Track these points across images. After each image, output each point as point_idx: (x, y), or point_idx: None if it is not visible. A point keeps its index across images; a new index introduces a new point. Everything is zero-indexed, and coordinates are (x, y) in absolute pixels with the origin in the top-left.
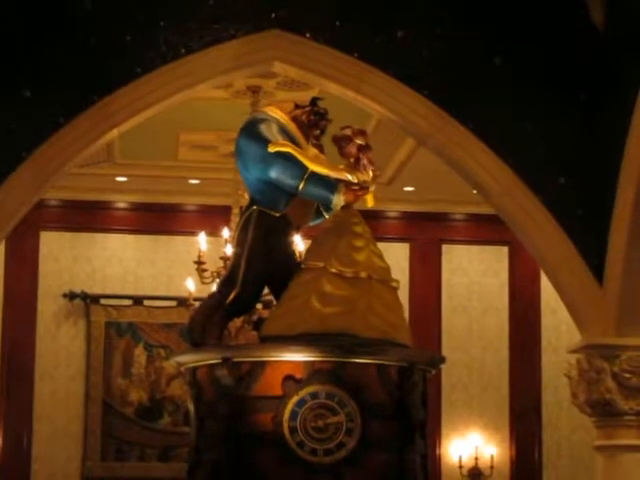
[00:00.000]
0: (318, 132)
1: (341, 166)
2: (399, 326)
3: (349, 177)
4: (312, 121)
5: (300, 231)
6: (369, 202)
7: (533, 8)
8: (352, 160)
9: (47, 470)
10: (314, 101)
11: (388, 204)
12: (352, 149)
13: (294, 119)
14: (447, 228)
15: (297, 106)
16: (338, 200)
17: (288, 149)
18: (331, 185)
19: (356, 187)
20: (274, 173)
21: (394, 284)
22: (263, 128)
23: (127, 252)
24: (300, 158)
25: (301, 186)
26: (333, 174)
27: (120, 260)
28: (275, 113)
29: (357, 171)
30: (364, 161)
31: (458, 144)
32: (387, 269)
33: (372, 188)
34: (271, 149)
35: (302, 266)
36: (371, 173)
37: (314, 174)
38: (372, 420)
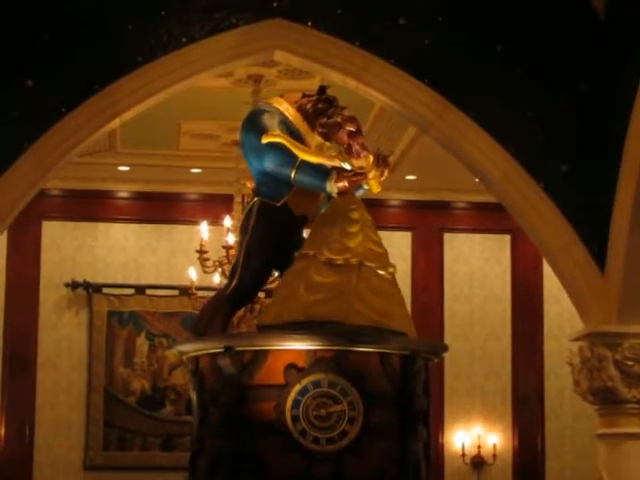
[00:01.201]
0: (325, 120)
1: (334, 153)
2: (393, 313)
3: (341, 164)
4: (318, 109)
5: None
6: (374, 188)
7: None
8: (345, 147)
9: (49, 459)
10: (322, 89)
11: (390, 193)
12: (343, 136)
13: (299, 109)
14: (449, 216)
15: (305, 95)
16: (331, 187)
17: (279, 139)
18: (323, 173)
19: (349, 174)
20: (267, 164)
21: (390, 270)
22: (261, 119)
23: (129, 241)
24: (291, 147)
25: (293, 175)
26: (325, 162)
27: (122, 249)
28: (279, 104)
29: (351, 158)
30: (356, 147)
31: (460, 132)
32: (383, 255)
33: (375, 174)
34: (264, 140)
35: (295, 255)
36: (371, 158)
37: (305, 163)
38: (374, 409)
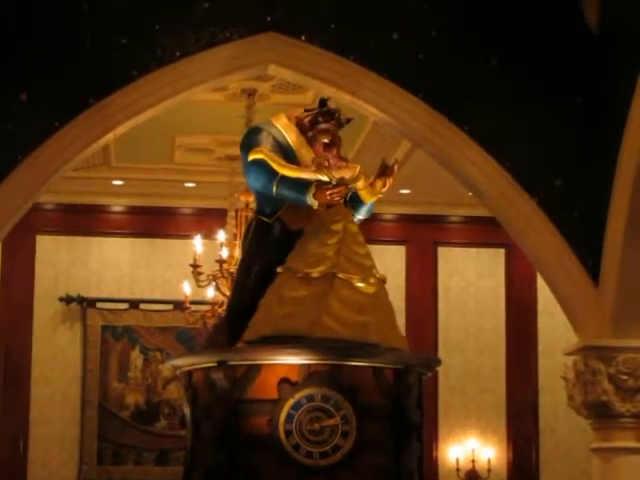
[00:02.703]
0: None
1: (313, 167)
2: (366, 325)
3: (319, 177)
4: (317, 123)
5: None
6: (365, 199)
7: (529, 11)
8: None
9: (43, 474)
10: (322, 102)
11: (384, 206)
12: (318, 148)
13: (297, 123)
14: (443, 230)
15: (307, 109)
16: (311, 200)
17: (261, 155)
18: (302, 186)
19: (328, 186)
20: (253, 181)
21: (372, 281)
22: (251, 137)
23: (123, 255)
24: (272, 163)
25: (274, 190)
26: (304, 175)
27: (116, 263)
28: (278, 120)
29: (331, 169)
30: (331, 160)
31: (454, 146)
32: (365, 267)
33: (377, 184)
34: (249, 158)
35: (277, 270)
36: (357, 169)
37: (285, 178)
38: (368, 423)
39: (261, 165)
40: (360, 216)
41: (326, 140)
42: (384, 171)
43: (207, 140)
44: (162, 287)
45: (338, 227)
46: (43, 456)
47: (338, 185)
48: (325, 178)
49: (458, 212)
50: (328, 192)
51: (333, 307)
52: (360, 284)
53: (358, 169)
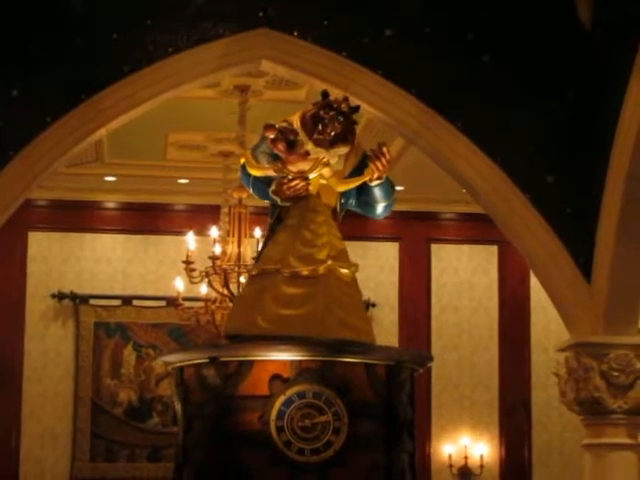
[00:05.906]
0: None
1: (274, 165)
2: (292, 318)
3: (278, 173)
4: (318, 116)
5: None
6: (335, 186)
7: (521, 7)
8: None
9: (36, 471)
10: (324, 95)
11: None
12: (270, 144)
13: (301, 119)
14: (437, 227)
15: (313, 104)
16: (274, 197)
17: (243, 159)
18: (266, 184)
19: (285, 180)
20: (243, 183)
21: (320, 270)
22: (258, 142)
23: (116, 252)
24: (247, 165)
25: (252, 190)
26: (269, 173)
27: (109, 260)
28: (288, 118)
29: (283, 164)
30: (282, 155)
31: (446, 143)
32: (313, 259)
33: (324, 173)
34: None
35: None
36: (320, 159)
37: (255, 178)
38: (359, 419)
39: (243, 167)
40: (383, 203)
41: (271, 135)
42: (376, 154)
43: (200, 137)
44: (155, 284)
45: (293, 221)
46: (35, 453)
47: (295, 179)
48: (280, 174)
49: (451, 209)
50: (285, 187)
51: (266, 304)
52: (306, 277)
53: (321, 159)
